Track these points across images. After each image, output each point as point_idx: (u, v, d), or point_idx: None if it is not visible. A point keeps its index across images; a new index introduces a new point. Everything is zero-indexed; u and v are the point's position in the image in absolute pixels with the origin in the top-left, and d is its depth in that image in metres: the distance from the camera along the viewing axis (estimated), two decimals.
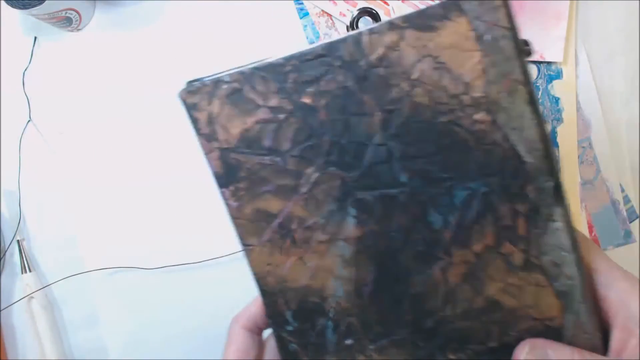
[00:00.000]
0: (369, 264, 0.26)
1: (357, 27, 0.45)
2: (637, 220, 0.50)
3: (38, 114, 0.49)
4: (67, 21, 0.46)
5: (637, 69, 0.49)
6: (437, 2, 0.23)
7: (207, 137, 0.27)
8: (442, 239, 0.25)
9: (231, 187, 0.27)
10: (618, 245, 0.49)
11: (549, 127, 0.48)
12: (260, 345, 0.33)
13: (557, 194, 0.24)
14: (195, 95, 0.27)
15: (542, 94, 0.49)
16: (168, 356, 0.48)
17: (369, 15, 0.44)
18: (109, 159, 0.48)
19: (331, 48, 0.24)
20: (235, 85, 0.26)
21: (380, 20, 0.44)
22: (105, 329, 0.48)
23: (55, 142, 0.48)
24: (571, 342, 0.25)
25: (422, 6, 0.46)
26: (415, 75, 0.23)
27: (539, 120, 0.23)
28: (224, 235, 0.47)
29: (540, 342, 0.27)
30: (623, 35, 0.49)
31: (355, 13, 0.44)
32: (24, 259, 0.48)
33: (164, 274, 0.47)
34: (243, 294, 0.47)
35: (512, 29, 0.22)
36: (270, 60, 0.25)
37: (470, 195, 0.24)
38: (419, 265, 0.25)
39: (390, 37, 0.23)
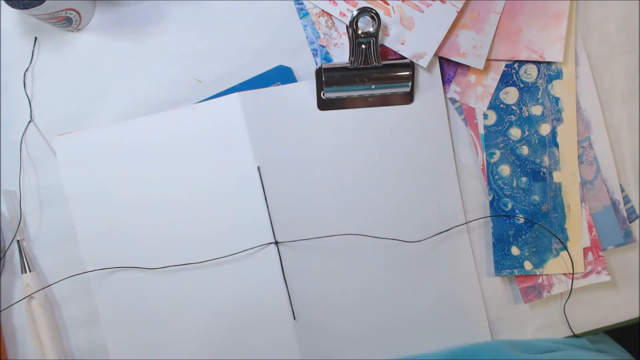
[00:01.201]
0: None
1: (356, 27, 0.45)
2: (637, 220, 0.50)
3: (38, 114, 0.49)
4: (67, 21, 0.46)
5: (637, 69, 0.49)
6: None
7: None
8: None
9: None
10: (618, 245, 0.49)
11: (548, 127, 0.48)
12: None
13: None
14: None
15: (542, 94, 0.49)
16: (168, 356, 0.48)
17: (368, 16, 0.44)
18: (109, 159, 0.47)
19: None
20: None
21: (380, 20, 0.44)
22: (106, 329, 0.48)
23: (56, 142, 0.48)
24: None
25: (422, 6, 0.46)
26: None
27: None
28: (224, 236, 0.47)
29: None
30: (623, 35, 0.49)
31: (355, 13, 0.44)
32: (24, 259, 0.48)
33: (164, 274, 0.47)
34: (242, 294, 0.48)
35: None
36: None
37: None
38: None
39: None
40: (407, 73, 0.46)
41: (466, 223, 0.49)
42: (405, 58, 0.47)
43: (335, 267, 0.48)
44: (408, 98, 0.48)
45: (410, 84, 0.47)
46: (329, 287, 0.48)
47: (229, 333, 0.48)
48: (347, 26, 0.47)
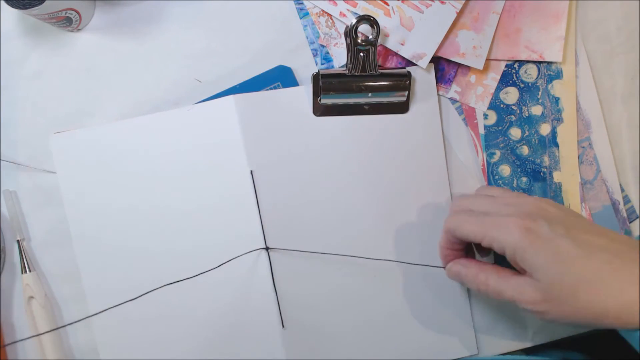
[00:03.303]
0: None
1: (355, 35, 0.44)
2: (637, 220, 0.50)
3: (38, 114, 0.49)
4: (67, 21, 0.46)
5: (637, 69, 0.49)
6: None
7: None
8: None
9: None
10: None
11: (548, 127, 0.48)
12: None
13: None
14: None
15: (542, 94, 0.49)
16: (166, 356, 0.48)
17: (367, 23, 0.44)
18: (103, 158, 0.47)
19: None
20: None
21: (379, 27, 0.44)
22: (96, 331, 0.48)
23: (52, 140, 0.48)
24: None
25: (421, 6, 0.46)
26: None
27: None
28: (215, 239, 0.47)
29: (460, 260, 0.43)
30: (623, 35, 0.49)
31: (354, 21, 0.44)
32: (24, 259, 0.48)
33: (153, 280, 0.47)
34: (230, 301, 0.47)
35: None
36: None
37: None
38: None
39: None
40: (404, 83, 0.46)
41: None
42: (402, 68, 0.47)
43: (326, 275, 0.47)
44: (403, 108, 0.48)
45: (406, 93, 0.46)
46: (319, 295, 0.47)
47: (216, 340, 0.47)
48: (345, 33, 0.47)
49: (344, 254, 0.47)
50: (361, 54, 0.45)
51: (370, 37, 0.45)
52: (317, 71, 0.46)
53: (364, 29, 0.45)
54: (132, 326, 0.47)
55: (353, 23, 0.44)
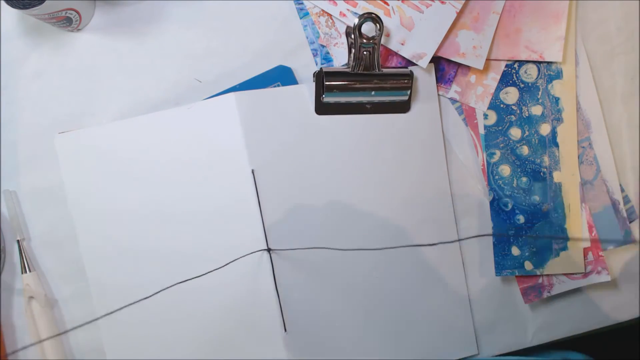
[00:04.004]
0: None
1: (360, 33, 0.44)
2: (637, 220, 0.50)
3: (38, 114, 0.49)
4: (67, 21, 0.46)
5: (637, 69, 0.49)
6: None
7: None
8: None
9: None
10: (618, 245, 0.49)
11: (548, 127, 0.49)
12: None
13: None
14: None
15: (542, 94, 0.49)
16: (166, 356, 0.48)
17: (371, 21, 0.44)
18: (109, 159, 0.47)
19: None
20: None
21: (382, 25, 0.44)
22: (103, 332, 0.48)
23: (56, 139, 0.48)
24: None
25: (421, 6, 0.46)
26: None
27: None
28: (216, 240, 0.47)
29: None
30: (623, 35, 0.49)
31: (357, 21, 0.44)
32: (24, 259, 0.48)
33: (156, 283, 0.47)
34: (231, 304, 0.47)
35: None
36: None
37: None
38: None
39: None
40: (407, 82, 0.46)
41: (458, 240, 0.49)
42: (404, 67, 0.47)
43: (328, 276, 0.47)
44: (405, 107, 0.48)
45: (408, 92, 0.46)
46: (321, 297, 0.47)
47: (219, 342, 0.47)
48: (346, 32, 0.47)
49: (345, 254, 0.47)
50: (364, 52, 0.45)
51: (374, 34, 0.44)
52: (319, 69, 0.46)
53: (365, 29, 0.45)
54: (137, 328, 0.47)
55: (357, 21, 0.44)
